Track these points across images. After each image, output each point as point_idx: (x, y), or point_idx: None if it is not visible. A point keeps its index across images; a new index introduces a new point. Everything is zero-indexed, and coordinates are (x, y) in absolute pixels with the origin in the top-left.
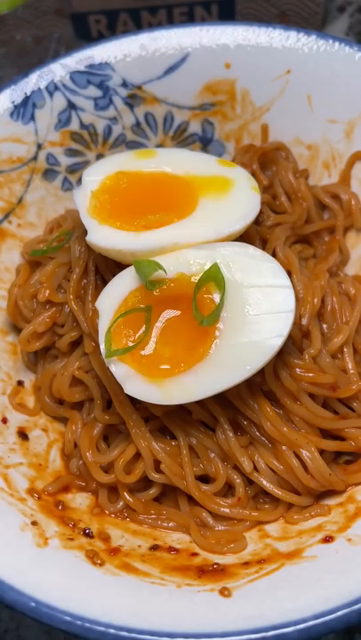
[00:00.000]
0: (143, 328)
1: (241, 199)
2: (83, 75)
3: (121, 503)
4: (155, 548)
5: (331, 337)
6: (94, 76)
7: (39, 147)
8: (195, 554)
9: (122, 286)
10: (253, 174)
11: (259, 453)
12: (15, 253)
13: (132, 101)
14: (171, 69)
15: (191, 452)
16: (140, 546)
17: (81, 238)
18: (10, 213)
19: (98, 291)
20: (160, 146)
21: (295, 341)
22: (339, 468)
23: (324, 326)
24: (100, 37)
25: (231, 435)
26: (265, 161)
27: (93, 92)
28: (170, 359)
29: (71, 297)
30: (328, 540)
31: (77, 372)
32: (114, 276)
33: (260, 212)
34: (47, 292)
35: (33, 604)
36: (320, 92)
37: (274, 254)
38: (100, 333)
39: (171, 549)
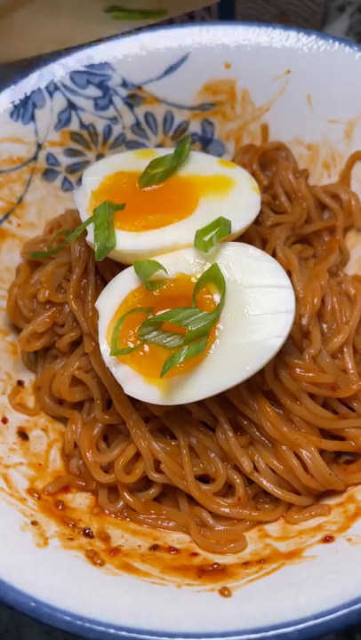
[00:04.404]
0: None
1: (241, 199)
2: (83, 75)
3: (121, 503)
4: (155, 547)
5: (331, 337)
6: (94, 75)
7: (39, 147)
8: (195, 554)
9: (122, 286)
10: (253, 174)
11: (259, 453)
12: (15, 253)
13: (132, 101)
14: (171, 69)
15: (191, 451)
16: (140, 546)
17: (81, 238)
18: (10, 213)
19: (98, 291)
20: (160, 146)
21: (295, 341)
22: (339, 468)
23: (324, 326)
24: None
25: (231, 435)
26: (265, 161)
27: (93, 91)
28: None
29: (71, 297)
30: (328, 539)
31: (77, 372)
32: (114, 276)
33: (260, 212)
34: (47, 292)
35: (33, 604)
36: (320, 92)
37: (274, 254)
38: (99, 333)
39: (171, 549)
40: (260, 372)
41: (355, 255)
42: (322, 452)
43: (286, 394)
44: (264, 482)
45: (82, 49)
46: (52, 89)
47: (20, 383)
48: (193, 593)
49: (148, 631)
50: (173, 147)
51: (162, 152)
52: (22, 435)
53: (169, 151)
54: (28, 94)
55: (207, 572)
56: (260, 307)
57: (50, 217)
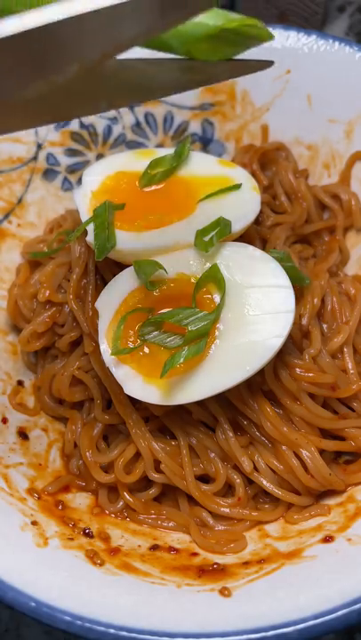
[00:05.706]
0: None
1: (241, 199)
2: None
3: (121, 503)
4: (155, 547)
5: (331, 337)
6: None
7: (39, 147)
8: (195, 554)
9: (122, 286)
10: (253, 174)
11: (259, 453)
12: (15, 253)
13: None
14: None
15: (191, 451)
16: (139, 546)
17: (81, 238)
18: (10, 213)
19: (98, 291)
20: (160, 146)
21: (295, 341)
22: (339, 468)
23: (324, 326)
24: None
25: (231, 435)
26: (265, 161)
27: None
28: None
29: (71, 297)
30: (328, 539)
31: (77, 371)
32: (114, 276)
33: (261, 212)
34: (47, 292)
35: (33, 604)
36: (320, 92)
37: None
38: (99, 333)
39: (171, 549)
40: (260, 372)
41: (355, 255)
42: (322, 451)
43: (286, 394)
44: (264, 482)
45: None
46: None
47: (20, 383)
48: (193, 593)
49: (148, 631)
50: (173, 147)
51: (162, 152)
52: (22, 435)
53: (169, 151)
54: None
55: (207, 572)
56: (260, 307)
57: (50, 217)
